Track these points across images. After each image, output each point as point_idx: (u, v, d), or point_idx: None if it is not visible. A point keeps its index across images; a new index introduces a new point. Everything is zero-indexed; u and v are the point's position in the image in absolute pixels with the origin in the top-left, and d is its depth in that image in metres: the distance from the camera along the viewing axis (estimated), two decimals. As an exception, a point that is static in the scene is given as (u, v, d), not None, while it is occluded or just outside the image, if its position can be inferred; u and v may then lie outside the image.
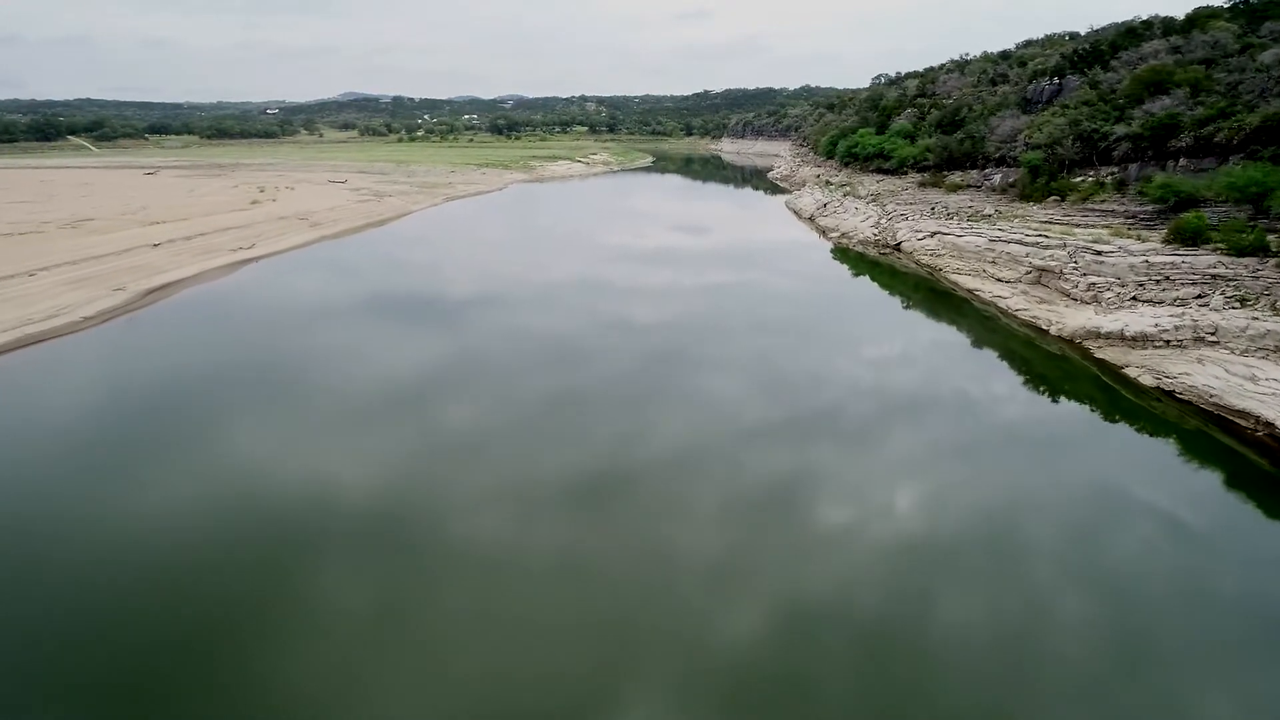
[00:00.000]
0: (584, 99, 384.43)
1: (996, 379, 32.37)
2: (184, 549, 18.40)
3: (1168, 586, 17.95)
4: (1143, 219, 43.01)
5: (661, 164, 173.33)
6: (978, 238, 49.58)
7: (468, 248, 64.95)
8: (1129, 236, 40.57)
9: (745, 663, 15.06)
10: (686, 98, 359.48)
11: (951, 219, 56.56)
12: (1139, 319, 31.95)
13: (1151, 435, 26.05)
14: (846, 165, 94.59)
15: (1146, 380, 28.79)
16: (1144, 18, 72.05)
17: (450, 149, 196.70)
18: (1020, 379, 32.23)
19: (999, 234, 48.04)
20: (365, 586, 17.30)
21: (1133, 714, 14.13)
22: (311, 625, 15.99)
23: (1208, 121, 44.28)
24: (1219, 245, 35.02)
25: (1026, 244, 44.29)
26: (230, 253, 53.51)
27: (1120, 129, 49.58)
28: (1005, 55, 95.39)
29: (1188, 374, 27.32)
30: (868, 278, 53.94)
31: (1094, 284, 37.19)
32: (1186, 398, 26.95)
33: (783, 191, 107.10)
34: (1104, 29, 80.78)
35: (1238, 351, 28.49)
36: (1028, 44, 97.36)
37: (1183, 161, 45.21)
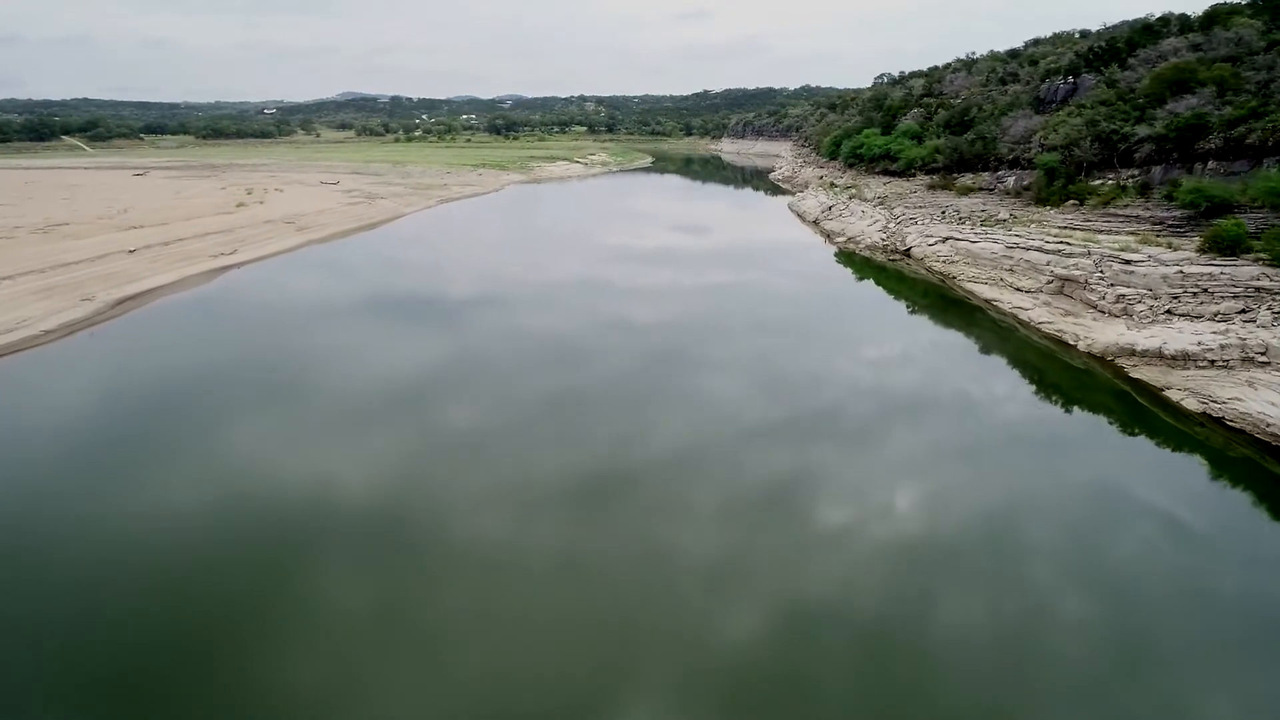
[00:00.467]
0: (583, 99, 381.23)
1: (1027, 400, 30.06)
2: (184, 553, 18.24)
3: (1242, 634, 15.99)
4: (1171, 225, 40.51)
5: (661, 164, 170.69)
6: (994, 244, 47.23)
7: (463, 251, 62.76)
8: (1157, 244, 38.12)
9: (745, 663, 14.98)
10: (686, 98, 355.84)
11: (964, 223, 54.16)
12: (1178, 335, 29.52)
13: (1209, 469, 23.49)
14: (851, 166, 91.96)
15: (1191, 404, 26.32)
16: (1158, 15, 69.80)
17: (447, 149, 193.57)
18: (1050, 399, 29.86)
19: (1017, 240, 45.68)
20: (365, 586, 17.18)
21: (1132, 714, 13.80)
22: (311, 625, 15.92)
23: (1238, 122, 41.89)
24: (1260, 255, 32.55)
25: (1047, 251, 41.90)
26: (211, 259, 51.11)
27: (1142, 130, 47.18)
28: (1014, 54, 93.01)
29: (1239, 399, 24.87)
30: (882, 287, 51.51)
31: (1123, 295, 34.82)
32: (1238, 425, 24.52)
33: (785, 193, 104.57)
34: (1117, 26, 78.55)
35: (1292, 373, 26.08)
36: (1036, 42, 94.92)
37: (1211, 164, 42.79)
